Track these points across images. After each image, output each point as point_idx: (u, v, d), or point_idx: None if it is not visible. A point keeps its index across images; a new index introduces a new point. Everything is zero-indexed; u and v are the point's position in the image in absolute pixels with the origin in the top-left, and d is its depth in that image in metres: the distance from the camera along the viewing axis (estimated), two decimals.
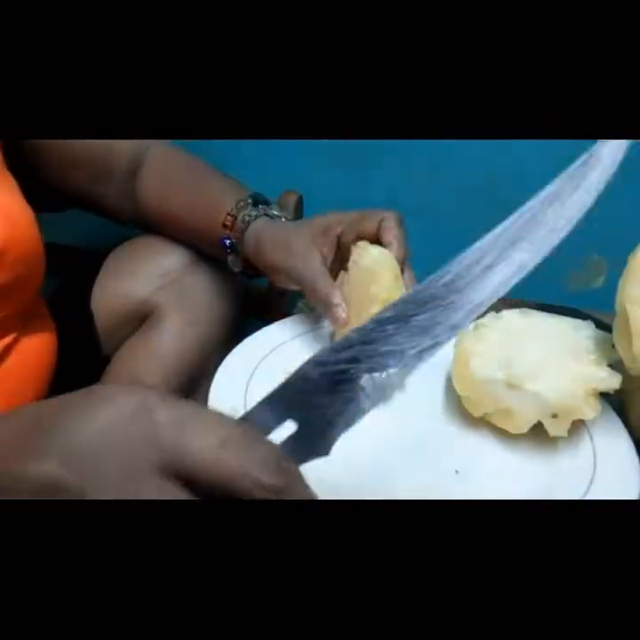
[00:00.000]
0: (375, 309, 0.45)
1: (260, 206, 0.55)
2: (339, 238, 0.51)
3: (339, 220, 0.52)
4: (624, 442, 0.41)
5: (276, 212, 0.56)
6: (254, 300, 0.78)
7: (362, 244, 0.49)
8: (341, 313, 0.47)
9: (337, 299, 0.48)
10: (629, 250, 0.43)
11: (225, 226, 0.54)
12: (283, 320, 0.55)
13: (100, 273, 0.61)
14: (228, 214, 0.54)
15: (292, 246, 0.50)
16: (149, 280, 0.59)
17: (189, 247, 0.60)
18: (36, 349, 0.50)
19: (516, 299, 0.67)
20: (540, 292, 0.69)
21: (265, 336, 0.51)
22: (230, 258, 0.56)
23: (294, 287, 0.53)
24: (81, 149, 0.57)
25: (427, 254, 0.65)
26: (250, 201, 0.55)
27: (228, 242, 0.55)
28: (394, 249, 0.48)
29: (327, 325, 0.54)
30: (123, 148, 0.59)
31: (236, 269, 0.56)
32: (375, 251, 0.48)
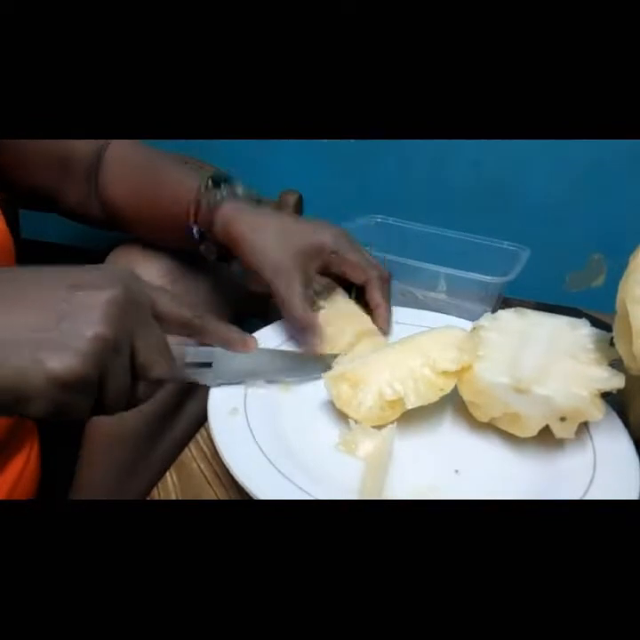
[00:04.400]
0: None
1: (222, 186, 0.51)
2: (326, 264, 0.51)
3: (331, 248, 0.50)
4: (624, 442, 0.42)
5: (241, 192, 0.53)
6: (254, 299, 0.78)
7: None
8: (316, 342, 0.48)
9: (314, 327, 0.48)
10: (629, 250, 0.43)
11: (190, 216, 0.51)
12: (283, 320, 0.55)
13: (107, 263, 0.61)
14: (191, 204, 0.51)
15: (272, 260, 0.48)
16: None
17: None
18: None
19: (516, 299, 0.67)
20: (540, 292, 0.69)
21: (265, 336, 0.51)
22: (202, 247, 0.53)
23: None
24: (37, 147, 0.54)
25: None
26: (210, 183, 0.51)
27: (194, 231, 0.51)
28: (382, 310, 0.51)
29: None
30: (81, 147, 0.56)
31: (212, 257, 0.54)
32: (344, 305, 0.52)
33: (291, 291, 0.48)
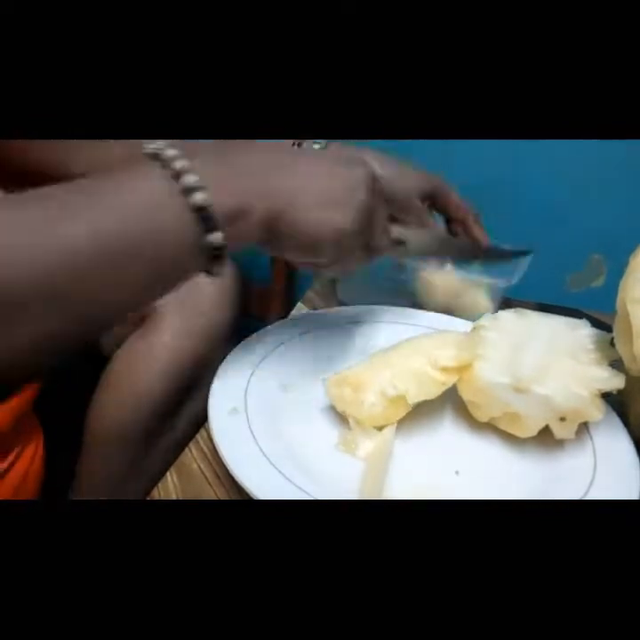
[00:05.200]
0: None
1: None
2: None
3: (440, 189, 0.56)
4: (624, 442, 0.41)
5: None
6: (254, 299, 0.78)
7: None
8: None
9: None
10: (629, 250, 0.43)
11: None
12: (283, 320, 0.55)
13: None
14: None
15: (405, 194, 0.52)
16: None
17: None
18: None
19: (516, 299, 0.67)
20: (540, 292, 0.69)
21: (265, 336, 0.51)
22: None
23: None
24: (37, 155, 0.54)
25: None
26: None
27: None
28: (486, 242, 0.57)
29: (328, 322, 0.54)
30: (81, 156, 0.53)
31: None
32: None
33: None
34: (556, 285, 0.78)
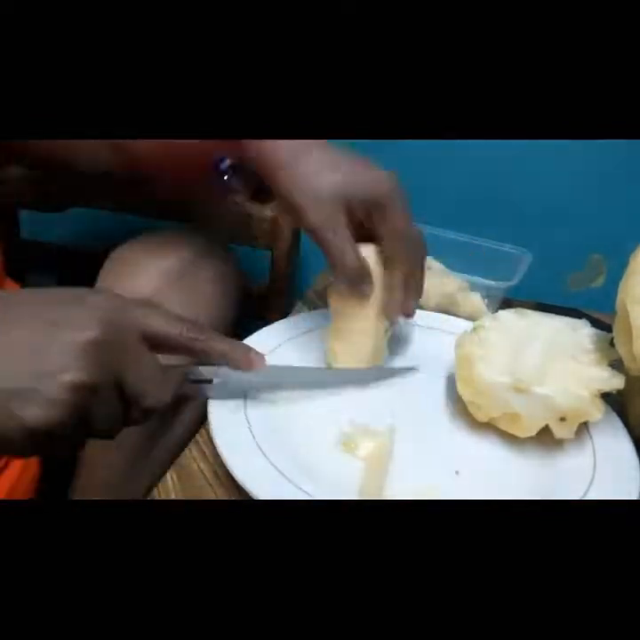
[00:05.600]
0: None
1: None
2: (367, 215, 0.44)
3: (382, 201, 0.43)
4: (624, 442, 0.42)
5: None
6: (254, 299, 0.78)
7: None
8: (369, 288, 0.44)
9: (368, 275, 0.44)
10: (629, 250, 0.43)
11: (220, 145, 0.45)
12: (283, 320, 0.55)
13: (100, 273, 0.61)
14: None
15: (316, 199, 0.41)
16: (149, 281, 0.59)
17: (189, 248, 0.60)
18: None
19: (516, 299, 0.67)
20: (540, 292, 0.69)
21: (265, 336, 0.51)
22: (231, 183, 0.47)
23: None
24: (46, 149, 0.52)
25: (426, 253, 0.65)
26: None
27: (224, 163, 0.46)
28: (393, 303, 0.46)
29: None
30: (84, 145, 0.52)
31: (240, 200, 0.49)
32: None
33: (340, 237, 0.42)
34: (556, 285, 0.78)
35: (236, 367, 0.39)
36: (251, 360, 0.40)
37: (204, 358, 0.38)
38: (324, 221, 0.42)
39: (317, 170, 0.42)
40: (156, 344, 0.34)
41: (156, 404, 0.33)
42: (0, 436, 0.27)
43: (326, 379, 0.48)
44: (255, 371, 0.40)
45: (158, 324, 0.34)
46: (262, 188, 0.46)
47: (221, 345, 0.38)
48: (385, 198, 0.43)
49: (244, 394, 0.43)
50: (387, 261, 0.45)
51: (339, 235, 0.42)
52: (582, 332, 0.45)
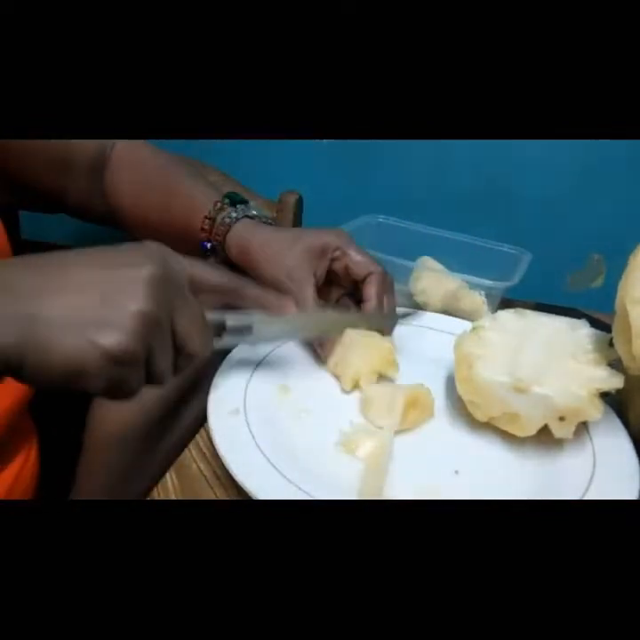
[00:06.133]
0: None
1: (238, 207, 0.54)
2: (331, 261, 0.52)
3: (335, 245, 0.51)
4: (624, 442, 0.42)
5: (255, 213, 0.55)
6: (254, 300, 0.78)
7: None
8: (325, 351, 0.50)
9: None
10: (629, 250, 0.43)
11: (203, 230, 0.53)
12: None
13: None
14: (206, 217, 0.53)
15: (285, 265, 0.50)
16: None
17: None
18: None
19: (516, 299, 0.67)
20: (540, 292, 0.69)
21: None
22: (210, 260, 0.55)
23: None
24: (38, 146, 0.55)
25: (426, 253, 0.65)
26: (227, 202, 0.54)
27: (207, 245, 0.54)
28: (369, 306, 0.50)
29: None
30: (83, 144, 0.56)
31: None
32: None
33: (304, 295, 0.49)
34: (556, 285, 0.78)
35: (272, 311, 0.45)
36: (282, 305, 0.46)
37: (241, 304, 0.43)
38: (291, 282, 0.49)
39: (285, 246, 0.51)
40: (199, 290, 0.37)
41: (200, 348, 0.34)
42: (79, 364, 0.29)
43: (347, 322, 0.50)
44: (284, 315, 0.46)
45: (202, 271, 0.40)
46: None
47: (255, 290, 0.45)
48: (337, 242, 0.52)
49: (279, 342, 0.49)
50: (360, 280, 0.52)
51: (303, 293, 0.49)
52: (581, 331, 0.45)
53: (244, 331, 0.43)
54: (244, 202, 0.55)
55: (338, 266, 0.52)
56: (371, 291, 0.51)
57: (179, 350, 0.34)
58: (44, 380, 0.29)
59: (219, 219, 0.53)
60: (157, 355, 0.32)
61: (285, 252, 0.50)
